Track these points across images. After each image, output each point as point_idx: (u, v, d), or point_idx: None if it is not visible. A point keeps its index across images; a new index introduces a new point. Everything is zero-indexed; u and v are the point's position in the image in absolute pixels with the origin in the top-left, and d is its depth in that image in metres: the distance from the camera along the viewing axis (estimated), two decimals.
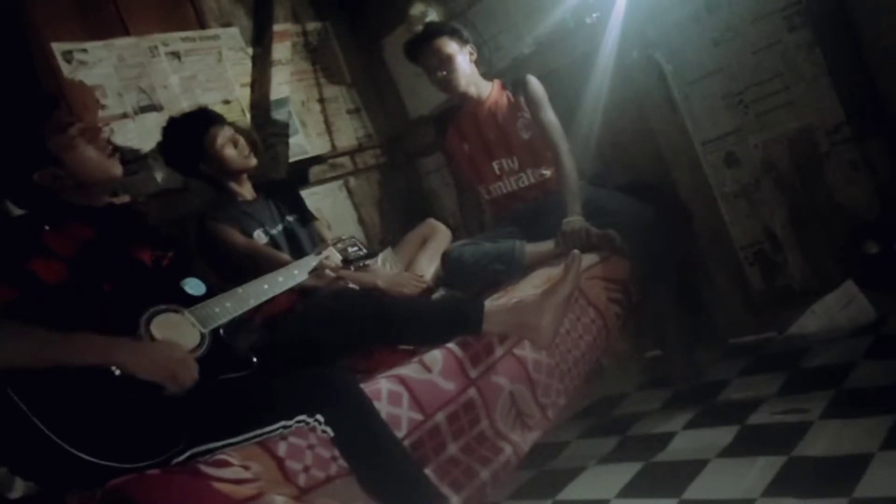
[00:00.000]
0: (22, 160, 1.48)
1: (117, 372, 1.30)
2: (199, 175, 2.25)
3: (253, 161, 2.25)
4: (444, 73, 2.36)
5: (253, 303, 1.59)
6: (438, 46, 2.34)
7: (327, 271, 1.77)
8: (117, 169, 1.58)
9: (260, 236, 2.20)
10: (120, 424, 1.26)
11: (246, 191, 2.28)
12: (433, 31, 2.38)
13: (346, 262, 1.87)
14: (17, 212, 1.81)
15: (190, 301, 1.51)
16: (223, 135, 2.18)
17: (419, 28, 2.67)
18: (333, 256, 1.82)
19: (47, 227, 1.44)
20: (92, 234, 1.49)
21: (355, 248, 1.92)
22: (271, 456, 1.30)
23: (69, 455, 1.17)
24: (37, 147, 1.47)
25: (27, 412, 1.17)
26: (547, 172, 2.41)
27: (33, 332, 1.26)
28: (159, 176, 2.42)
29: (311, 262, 1.77)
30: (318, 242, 2.31)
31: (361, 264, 1.92)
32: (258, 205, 2.27)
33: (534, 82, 2.38)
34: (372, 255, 1.95)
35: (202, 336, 1.47)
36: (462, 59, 2.37)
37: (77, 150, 1.51)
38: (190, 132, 2.17)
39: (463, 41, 2.38)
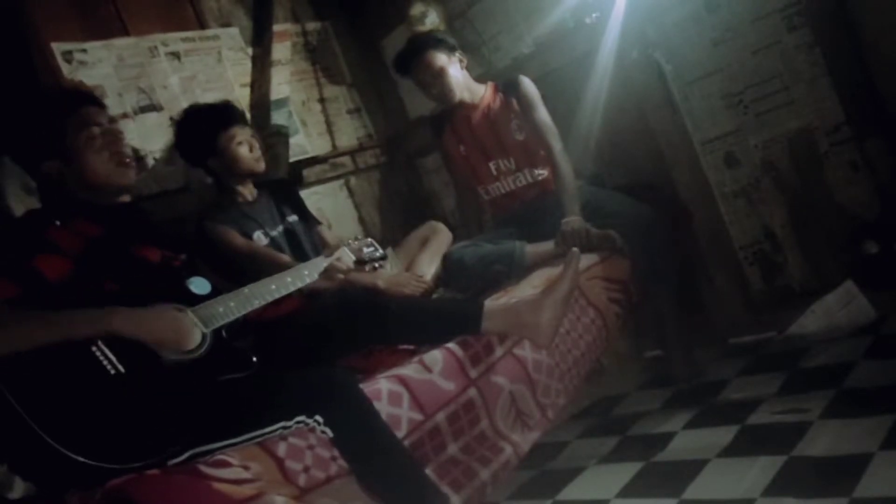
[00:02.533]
0: (34, 146, 1.49)
1: (113, 371, 1.30)
2: (205, 168, 2.24)
3: (262, 166, 2.24)
4: (438, 87, 2.34)
5: (258, 303, 1.57)
6: (428, 61, 2.31)
7: (338, 274, 1.75)
8: (127, 178, 1.57)
9: (260, 238, 2.20)
10: (114, 425, 1.26)
11: (247, 192, 2.27)
12: (420, 46, 2.34)
13: (360, 262, 1.85)
14: (19, 211, 1.81)
15: (195, 300, 1.50)
16: (242, 134, 2.18)
17: (419, 28, 2.67)
18: (345, 257, 1.79)
19: (58, 223, 1.45)
20: (100, 232, 1.49)
21: (371, 249, 1.89)
22: (271, 456, 1.30)
23: (64, 456, 1.17)
24: (52, 138, 1.47)
25: (22, 413, 1.17)
26: (544, 172, 2.41)
27: (28, 313, 1.26)
28: (159, 176, 2.42)
29: (321, 263, 1.74)
30: (319, 244, 2.31)
31: (377, 265, 1.90)
32: (258, 206, 2.26)
33: (526, 83, 2.37)
34: (386, 256, 1.93)
35: (203, 336, 1.46)
36: (453, 69, 2.35)
37: (90, 151, 1.50)
38: (208, 125, 2.16)
39: (451, 50, 2.35)
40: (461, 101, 2.40)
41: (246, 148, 2.19)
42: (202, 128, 2.16)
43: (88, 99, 1.56)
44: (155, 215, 2.19)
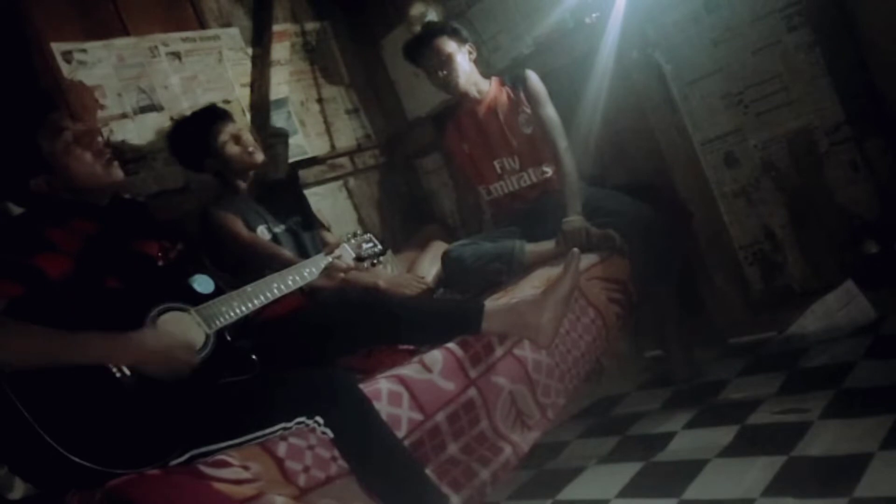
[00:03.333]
0: (15, 168, 1.47)
1: (118, 374, 1.30)
2: (206, 170, 2.25)
3: (258, 158, 2.25)
4: (445, 72, 2.36)
5: (260, 302, 1.56)
6: (438, 46, 2.34)
7: (339, 273, 1.75)
8: (114, 175, 1.56)
9: (263, 232, 2.21)
10: (118, 429, 1.26)
11: (251, 188, 2.29)
12: (432, 31, 2.38)
13: (360, 258, 1.86)
14: (18, 210, 1.81)
15: (198, 299, 1.50)
16: (227, 131, 2.19)
17: (418, 28, 2.68)
18: (346, 255, 1.80)
19: (51, 224, 1.44)
20: (96, 229, 1.49)
21: (370, 245, 1.90)
22: (271, 456, 1.30)
23: (67, 459, 1.17)
24: (30, 155, 1.45)
25: (26, 415, 1.17)
26: (549, 170, 2.40)
27: (33, 330, 1.25)
28: (159, 176, 2.42)
29: (321, 261, 1.75)
30: (321, 245, 2.31)
31: (375, 261, 1.90)
32: (263, 203, 2.27)
33: (533, 77, 2.38)
34: (385, 251, 1.94)
35: (207, 337, 1.46)
36: (462, 58, 2.37)
37: (72, 157, 1.48)
38: (196, 129, 2.18)
39: (462, 40, 2.38)
40: (466, 95, 2.41)
41: (234, 143, 2.20)
42: (190, 133, 2.19)
43: (50, 104, 1.54)
44: (155, 215, 2.19)
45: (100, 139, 1.56)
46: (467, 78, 2.39)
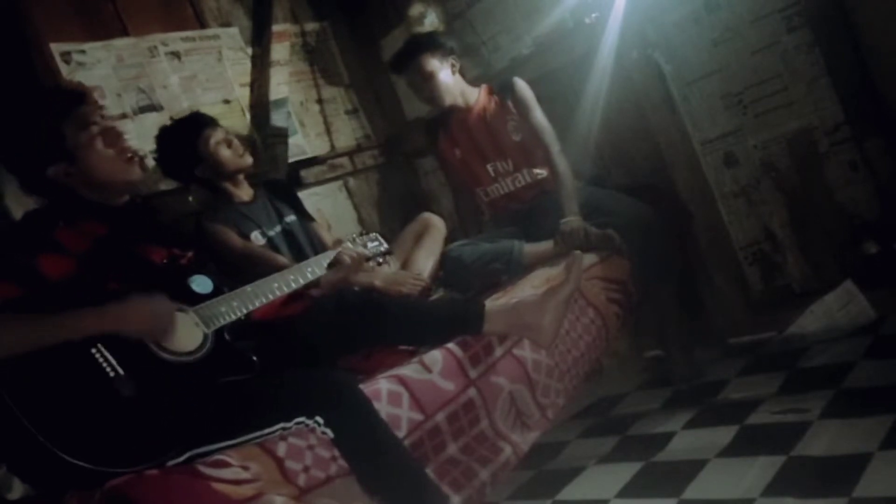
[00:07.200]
0: (36, 153, 1.47)
1: (114, 374, 1.30)
2: (195, 180, 2.24)
3: (248, 160, 2.24)
4: (427, 90, 2.38)
5: (261, 302, 1.56)
6: (420, 65, 2.36)
7: (345, 257, 1.75)
8: (134, 174, 1.56)
9: (257, 238, 2.19)
10: (117, 430, 1.25)
11: (243, 192, 2.27)
12: (413, 49, 2.40)
13: (366, 258, 1.86)
14: (18, 212, 1.81)
15: (198, 300, 1.49)
16: (216, 136, 2.18)
17: (418, 28, 2.68)
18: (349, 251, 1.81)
19: (62, 223, 1.44)
20: (105, 232, 1.49)
21: (375, 244, 1.90)
22: (271, 456, 1.30)
23: (64, 460, 1.16)
24: (53, 142, 1.46)
25: (21, 417, 1.17)
26: (542, 172, 2.41)
27: (13, 318, 1.25)
28: (159, 176, 2.42)
29: (323, 261, 1.75)
30: (318, 244, 2.31)
31: (381, 260, 1.91)
32: (255, 206, 2.26)
33: (520, 85, 2.38)
34: (391, 250, 1.94)
35: (205, 336, 1.46)
36: (444, 74, 2.38)
37: (93, 150, 1.49)
38: (183, 136, 2.16)
39: (445, 54, 2.39)
40: (454, 106, 2.43)
41: (225, 147, 2.19)
42: (178, 141, 2.16)
43: (82, 99, 1.55)
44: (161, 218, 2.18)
45: (126, 139, 1.57)
46: (451, 93, 2.40)
